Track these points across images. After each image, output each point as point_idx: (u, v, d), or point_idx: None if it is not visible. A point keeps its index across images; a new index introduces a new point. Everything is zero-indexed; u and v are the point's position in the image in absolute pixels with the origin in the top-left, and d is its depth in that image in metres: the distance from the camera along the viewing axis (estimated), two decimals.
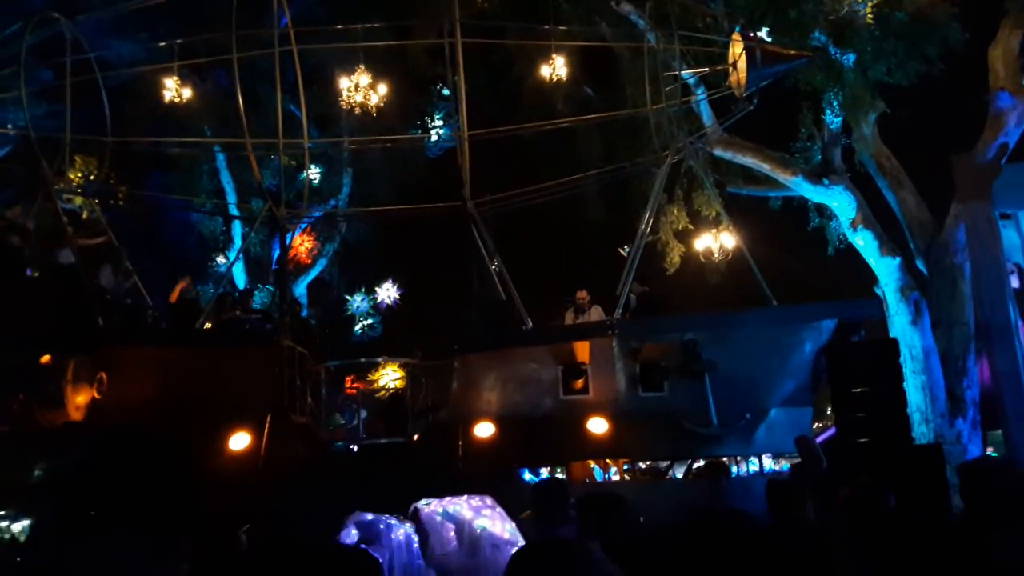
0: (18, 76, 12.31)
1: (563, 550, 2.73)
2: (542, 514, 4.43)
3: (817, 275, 18.20)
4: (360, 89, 15.74)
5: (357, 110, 15.15)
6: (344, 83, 15.55)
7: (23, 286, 11.81)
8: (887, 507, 4.59)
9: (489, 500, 6.40)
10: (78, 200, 15.46)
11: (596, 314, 12.64)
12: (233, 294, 14.32)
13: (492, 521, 6.13)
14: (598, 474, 13.91)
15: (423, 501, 6.20)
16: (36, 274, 12.24)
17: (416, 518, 6.04)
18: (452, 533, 6.30)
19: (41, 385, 10.62)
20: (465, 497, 6.35)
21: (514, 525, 6.17)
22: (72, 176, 16.38)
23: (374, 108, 15.17)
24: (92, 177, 16.65)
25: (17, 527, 12.40)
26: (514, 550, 2.95)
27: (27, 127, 12.45)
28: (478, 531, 6.40)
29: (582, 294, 12.80)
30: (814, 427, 13.15)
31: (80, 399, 10.99)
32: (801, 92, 14.97)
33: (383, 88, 15.89)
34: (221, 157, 19.73)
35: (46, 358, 10.84)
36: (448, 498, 6.30)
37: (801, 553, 4.27)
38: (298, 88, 14.99)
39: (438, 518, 6.14)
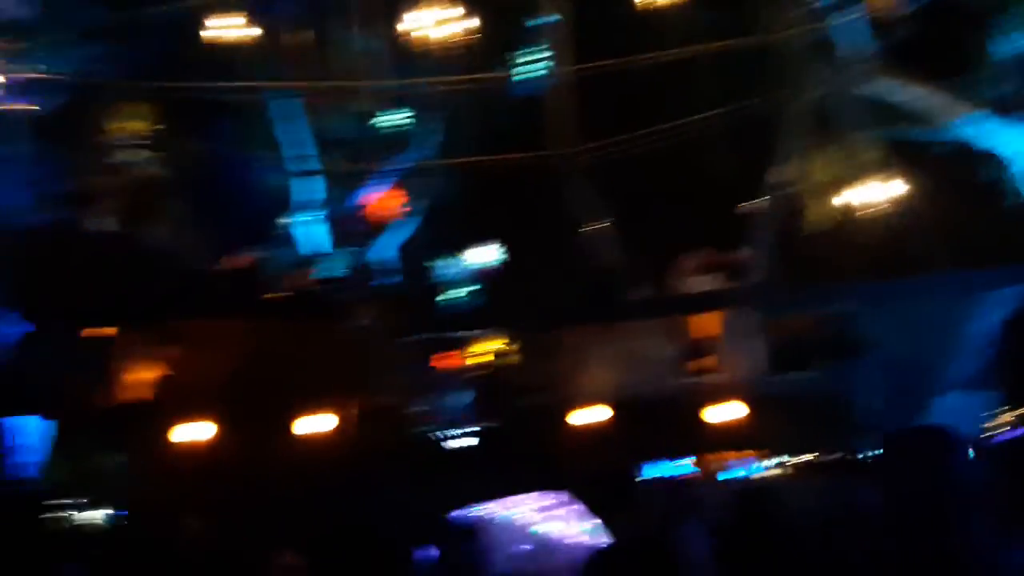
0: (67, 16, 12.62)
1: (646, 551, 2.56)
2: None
3: (999, 235, 17.27)
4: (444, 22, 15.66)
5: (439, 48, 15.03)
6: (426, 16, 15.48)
7: (76, 253, 12.19)
8: None
9: (565, 496, 6.30)
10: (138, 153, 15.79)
11: (715, 282, 12.29)
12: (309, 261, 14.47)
13: (567, 523, 6.00)
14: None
15: (479, 508, 6.16)
16: (91, 237, 12.60)
17: (472, 526, 5.97)
18: (517, 539, 6.20)
19: (94, 362, 10.91)
20: (535, 495, 6.27)
21: (597, 522, 6.04)
22: (129, 127, 16.75)
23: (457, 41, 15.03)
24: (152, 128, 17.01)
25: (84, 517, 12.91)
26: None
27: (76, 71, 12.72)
28: (546, 537, 6.29)
29: (701, 255, 12.46)
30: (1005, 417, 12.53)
31: (141, 376, 11.29)
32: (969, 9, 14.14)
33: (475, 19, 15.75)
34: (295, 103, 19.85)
35: (102, 331, 11.14)
36: (510, 498, 6.24)
37: None
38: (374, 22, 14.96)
39: (501, 520, 6.05)
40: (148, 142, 16.12)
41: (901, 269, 13.69)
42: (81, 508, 10.65)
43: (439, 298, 20.94)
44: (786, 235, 13.26)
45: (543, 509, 6.38)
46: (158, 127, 16.43)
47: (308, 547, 5.52)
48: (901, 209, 13.44)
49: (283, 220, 21.31)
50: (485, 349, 13.96)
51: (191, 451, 10.89)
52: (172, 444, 10.92)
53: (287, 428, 10.99)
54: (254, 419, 10.76)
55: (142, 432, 11.00)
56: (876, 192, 16.92)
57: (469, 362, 14.97)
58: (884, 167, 14.47)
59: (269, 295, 13.17)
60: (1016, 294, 10.73)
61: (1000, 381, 10.81)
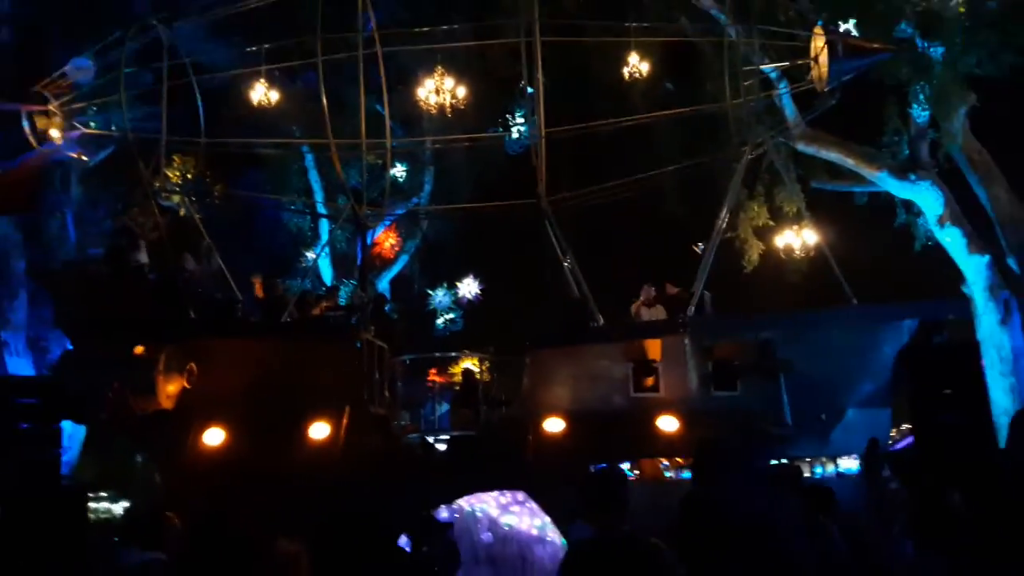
0: (119, 80, 12.83)
1: (627, 549, 2.52)
2: (597, 505, 4.09)
3: (903, 274, 17.46)
4: (441, 91, 15.88)
5: (436, 111, 15.26)
6: (428, 84, 15.71)
7: (125, 281, 12.33)
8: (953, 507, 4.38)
9: (520, 495, 6.36)
10: (175, 198, 15.99)
11: (661, 312, 12.45)
12: (316, 291, 14.61)
13: (519, 518, 6.09)
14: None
15: (454, 504, 6.22)
16: (138, 270, 12.73)
17: (448, 520, 6.06)
18: (485, 528, 6.30)
19: (135, 374, 11.02)
20: (495, 493, 6.33)
21: (547, 520, 6.12)
22: (170, 175, 16.96)
23: (452, 107, 15.26)
24: (188, 176, 17.23)
25: (116, 508, 13.00)
26: (567, 546, 2.82)
27: (126, 129, 12.94)
28: (505, 528, 6.38)
29: (645, 289, 12.64)
30: (896, 431, 12.65)
31: (171, 388, 11.38)
32: (887, 85, 14.36)
33: (463, 90, 15.98)
34: (309, 157, 20.18)
35: (140, 348, 11.26)
36: (476, 495, 6.29)
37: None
38: (382, 90, 15.21)
39: (468, 514, 6.14)
40: (189, 187, 16.36)
41: (817, 303, 13.88)
42: (114, 500, 10.75)
43: (433, 322, 21.25)
44: (721, 272, 13.41)
45: (504, 505, 6.51)
46: (198, 176, 16.69)
47: (309, 535, 5.61)
48: (821, 251, 13.59)
49: (302, 255, 21.62)
50: (464, 367, 14.10)
51: (211, 453, 11.01)
52: (194, 447, 11.04)
53: (294, 433, 11.06)
54: (265, 425, 10.87)
55: (169, 436, 11.11)
56: (801, 236, 17.16)
57: (450, 378, 15.17)
58: (807, 215, 14.63)
59: (287, 319, 13.28)
60: (909, 327, 10.84)
61: (893, 400, 10.94)
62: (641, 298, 12.79)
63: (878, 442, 8.37)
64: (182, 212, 15.25)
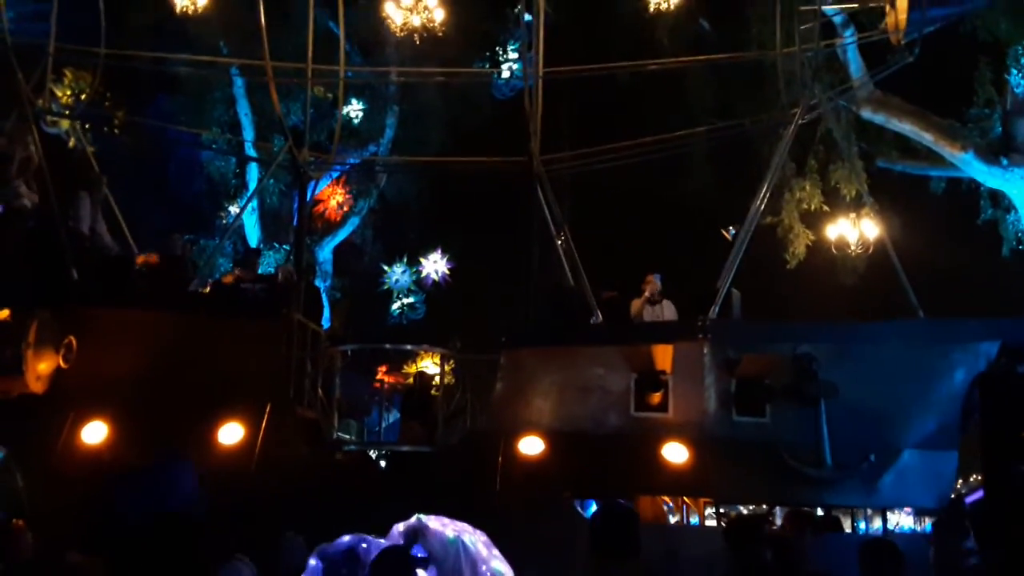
0: None
1: None
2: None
3: (984, 284, 17.59)
4: (415, 9, 15.78)
5: (406, 34, 15.15)
6: None
7: None
8: None
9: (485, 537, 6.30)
10: (64, 124, 15.79)
11: (668, 312, 12.42)
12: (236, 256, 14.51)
13: (504, 565, 6.02)
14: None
15: (430, 517, 6.09)
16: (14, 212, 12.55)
17: (418, 536, 5.93)
18: (467, 572, 6.18)
19: None
20: (471, 528, 6.25)
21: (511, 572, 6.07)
22: (59, 93, 16.75)
23: (426, 32, 15.17)
24: (82, 96, 17.01)
25: None
26: None
27: (2, 28, 12.70)
28: None
29: (650, 280, 12.60)
30: (962, 482, 12.75)
31: (42, 366, 11.23)
32: (980, 43, 14.40)
33: (442, 11, 15.89)
34: (239, 82, 19.99)
35: (4, 313, 11.10)
36: (459, 522, 6.18)
37: None
38: (338, 1, 15.06)
39: (450, 547, 6.02)
40: (82, 113, 16.14)
41: (874, 312, 13.91)
42: None
43: (377, 305, 21.14)
44: (756, 266, 13.41)
45: (486, 545, 6.36)
46: (95, 97, 16.45)
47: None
48: (884, 247, 13.59)
49: (222, 210, 21.48)
50: (421, 366, 14.07)
51: (89, 453, 10.88)
52: (68, 444, 10.91)
53: (197, 435, 10.96)
54: (161, 423, 10.75)
55: (37, 429, 10.97)
56: (859, 228, 17.23)
57: (402, 379, 15.12)
58: (870, 201, 14.63)
59: (196, 288, 13.17)
60: (988, 351, 10.85)
61: (960, 442, 10.97)
62: (645, 293, 12.74)
63: (963, 499, 8.36)
64: (72, 143, 15.06)
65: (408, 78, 19.06)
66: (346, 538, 5.96)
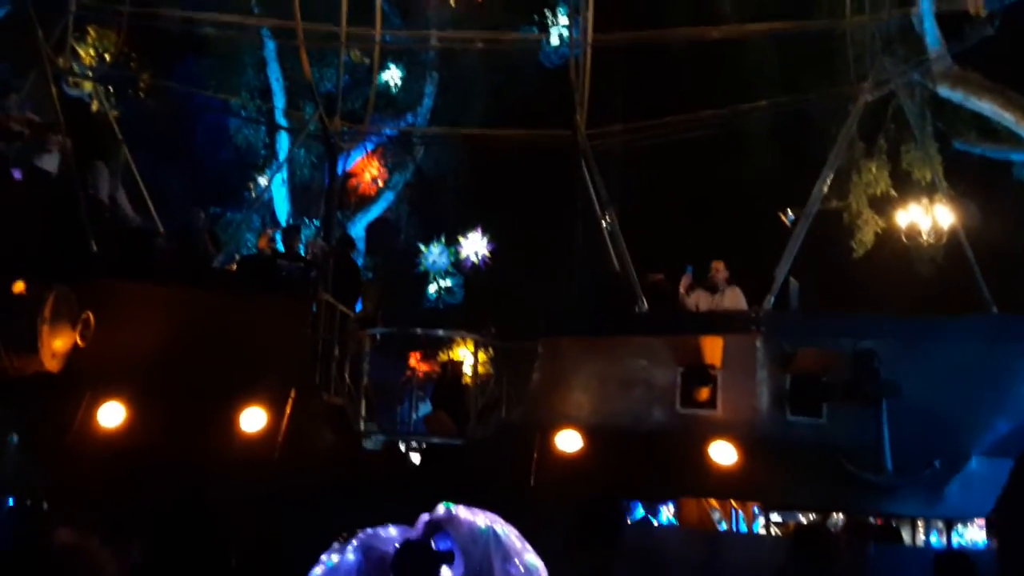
0: None
1: None
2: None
3: None
4: None
5: None
6: None
7: (5, 193, 12.33)
8: None
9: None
10: (86, 86, 15.98)
11: (732, 300, 12.37)
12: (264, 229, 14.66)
13: (538, 560, 5.99)
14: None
15: (459, 506, 6.07)
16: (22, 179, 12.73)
17: (442, 527, 5.88)
18: (498, 565, 6.15)
19: (10, 320, 10.98)
20: (503, 520, 6.22)
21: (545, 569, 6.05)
22: (81, 53, 16.96)
23: None
24: (106, 57, 17.22)
25: None
26: None
27: None
28: (532, 572, 6.26)
29: (718, 266, 12.56)
30: None
31: (58, 344, 11.38)
32: None
33: None
34: (270, 45, 20.11)
35: (20, 286, 11.21)
36: (491, 513, 6.16)
37: None
38: None
39: (480, 537, 5.98)
40: (106, 74, 16.35)
41: (945, 307, 13.76)
42: None
43: (413, 287, 21.18)
44: (818, 255, 13.32)
45: (521, 539, 6.37)
46: (119, 58, 16.65)
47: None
48: (958, 237, 13.44)
49: (250, 181, 21.64)
50: (456, 354, 14.12)
51: (105, 436, 11.05)
52: (84, 426, 11.09)
53: (219, 419, 11.10)
54: (181, 406, 10.89)
55: (52, 410, 11.15)
56: (932, 215, 17.02)
57: (435, 367, 15.15)
58: (944, 186, 14.48)
59: (222, 263, 13.34)
60: None
61: None
62: (712, 273, 12.71)
63: None
64: (95, 106, 15.25)
65: (449, 43, 19.03)
66: (393, 531, 5.84)
